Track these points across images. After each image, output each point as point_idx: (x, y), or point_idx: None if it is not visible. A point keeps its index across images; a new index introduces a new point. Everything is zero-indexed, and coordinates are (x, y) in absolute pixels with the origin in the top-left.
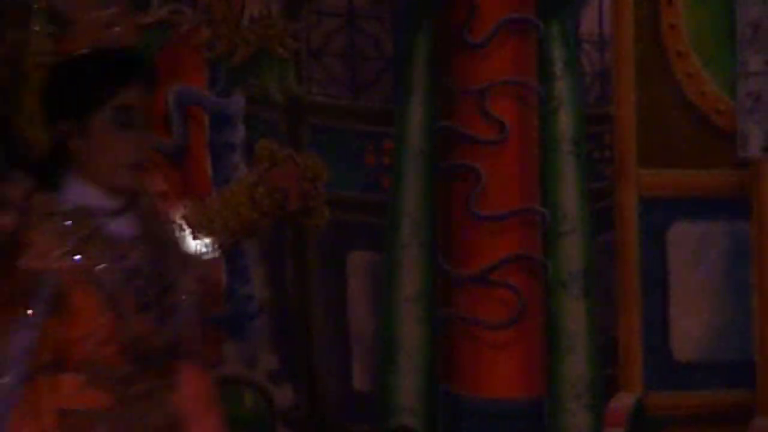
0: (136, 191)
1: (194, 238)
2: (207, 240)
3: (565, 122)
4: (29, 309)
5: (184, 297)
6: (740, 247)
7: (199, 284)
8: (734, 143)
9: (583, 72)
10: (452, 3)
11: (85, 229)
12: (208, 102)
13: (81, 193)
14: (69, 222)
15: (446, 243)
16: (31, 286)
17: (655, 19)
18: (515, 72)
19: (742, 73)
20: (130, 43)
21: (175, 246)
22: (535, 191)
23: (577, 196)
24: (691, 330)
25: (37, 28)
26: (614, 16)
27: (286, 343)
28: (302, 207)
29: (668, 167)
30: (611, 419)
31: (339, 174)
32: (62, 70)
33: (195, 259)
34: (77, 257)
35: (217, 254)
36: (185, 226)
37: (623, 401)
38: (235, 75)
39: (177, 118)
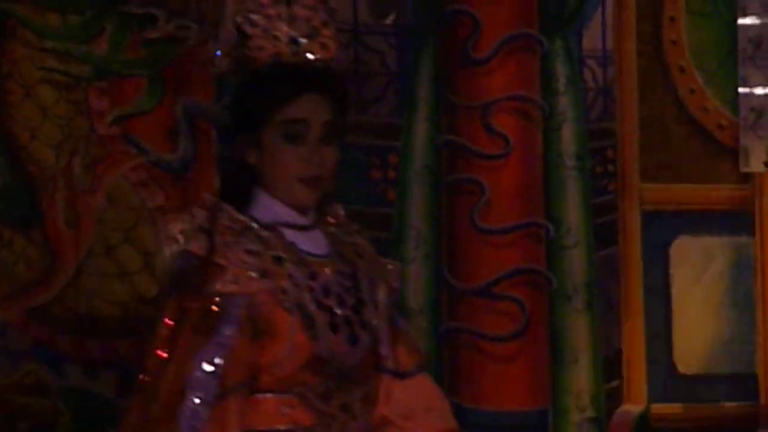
0: (320, 206)
1: None
2: None
3: (569, 137)
4: (220, 331)
5: (375, 311)
6: (743, 261)
7: (391, 295)
8: (736, 158)
9: (586, 87)
10: (456, 19)
11: (276, 249)
12: (215, 116)
13: (269, 210)
14: (259, 242)
15: (451, 256)
16: (223, 309)
17: (657, 35)
18: (519, 87)
19: (743, 88)
20: (311, 57)
21: (365, 260)
22: (539, 205)
23: (581, 210)
24: (694, 343)
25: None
26: (617, 32)
27: None
28: None
29: (671, 182)
30: (615, 431)
31: (345, 188)
32: (240, 84)
33: (386, 269)
34: (269, 278)
35: None
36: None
37: (627, 413)
38: None
39: (184, 132)
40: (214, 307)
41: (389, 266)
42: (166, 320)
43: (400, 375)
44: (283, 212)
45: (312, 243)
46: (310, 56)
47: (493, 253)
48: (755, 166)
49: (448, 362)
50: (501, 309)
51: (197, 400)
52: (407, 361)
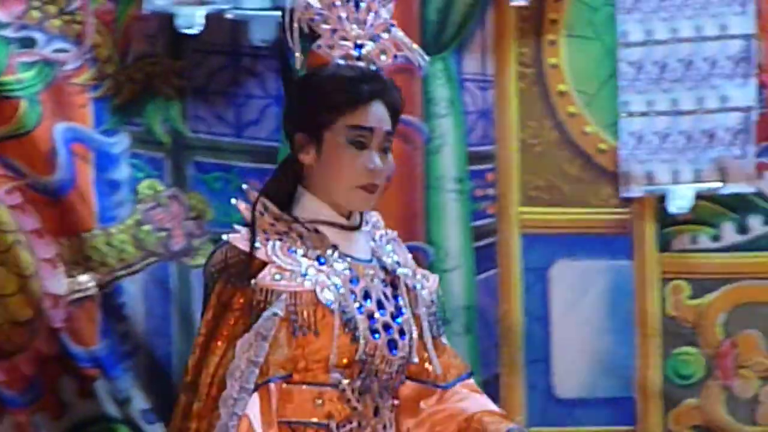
0: (365, 211)
1: (69, 275)
2: (84, 277)
3: (449, 160)
4: (262, 323)
5: (415, 321)
6: (621, 285)
7: (432, 302)
8: (616, 182)
9: (466, 111)
10: None
11: (319, 249)
12: (93, 140)
13: (311, 210)
14: (302, 241)
15: None
16: (266, 303)
17: (537, 59)
18: None
19: (623, 113)
20: (379, 64)
21: (405, 269)
22: (419, 228)
23: (461, 233)
24: (573, 367)
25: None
26: (497, 55)
27: (160, 383)
28: (187, 246)
29: (550, 206)
30: None
31: (223, 212)
32: (305, 83)
33: (425, 281)
34: (311, 277)
35: (94, 292)
36: (60, 263)
37: None
38: (120, 113)
39: (62, 155)
40: (258, 300)
41: (429, 279)
42: (207, 312)
43: (443, 386)
44: (327, 213)
45: (354, 246)
46: (375, 61)
47: None
48: (635, 191)
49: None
50: None
51: (238, 389)
52: (452, 372)
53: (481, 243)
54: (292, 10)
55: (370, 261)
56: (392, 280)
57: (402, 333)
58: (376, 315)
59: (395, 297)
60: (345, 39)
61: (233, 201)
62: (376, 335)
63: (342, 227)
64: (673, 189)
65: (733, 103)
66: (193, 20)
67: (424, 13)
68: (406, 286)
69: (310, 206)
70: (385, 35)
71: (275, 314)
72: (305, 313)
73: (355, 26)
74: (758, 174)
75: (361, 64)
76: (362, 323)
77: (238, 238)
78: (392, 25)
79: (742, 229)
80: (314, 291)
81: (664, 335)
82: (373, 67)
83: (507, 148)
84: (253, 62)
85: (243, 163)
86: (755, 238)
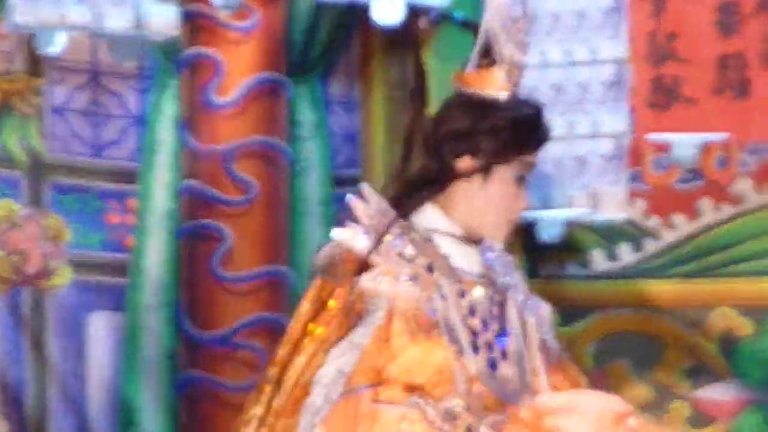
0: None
1: None
2: None
3: (314, 183)
4: (357, 331)
5: (524, 343)
6: None
7: (539, 330)
8: None
9: (332, 133)
10: (199, 62)
11: (430, 257)
12: None
13: (430, 220)
14: (415, 247)
15: (190, 304)
16: (364, 308)
17: (404, 82)
18: (263, 132)
19: None
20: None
21: (518, 292)
22: (283, 252)
23: None
24: None
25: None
26: (363, 78)
27: (18, 411)
28: (43, 268)
29: None
30: None
31: (81, 233)
32: (488, 112)
33: (537, 308)
34: (418, 284)
35: None
36: None
37: None
38: None
39: None
40: (358, 302)
41: (540, 304)
42: (304, 304)
43: None
44: (443, 224)
45: (465, 259)
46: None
47: (234, 301)
48: None
49: (186, 412)
50: (241, 358)
51: (322, 397)
52: None
53: None
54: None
55: (482, 277)
56: (502, 302)
57: (504, 355)
58: (479, 332)
59: (502, 318)
60: (505, 60)
61: (348, 198)
62: (477, 352)
63: (458, 238)
64: (542, 216)
65: (605, 129)
66: (53, 39)
67: (289, 35)
68: (518, 310)
69: (430, 216)
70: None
71: (372, 322)
72: (404, 320)
73: (514, 47)
74: (630, 201)
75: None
76: (466, 338)
77: (349, 235)
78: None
79: (612, 257)
80: (419, 299)
81: None
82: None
83: (372, 171)
84: (114, 82)
85: (102, 184)
86: (625, 266)
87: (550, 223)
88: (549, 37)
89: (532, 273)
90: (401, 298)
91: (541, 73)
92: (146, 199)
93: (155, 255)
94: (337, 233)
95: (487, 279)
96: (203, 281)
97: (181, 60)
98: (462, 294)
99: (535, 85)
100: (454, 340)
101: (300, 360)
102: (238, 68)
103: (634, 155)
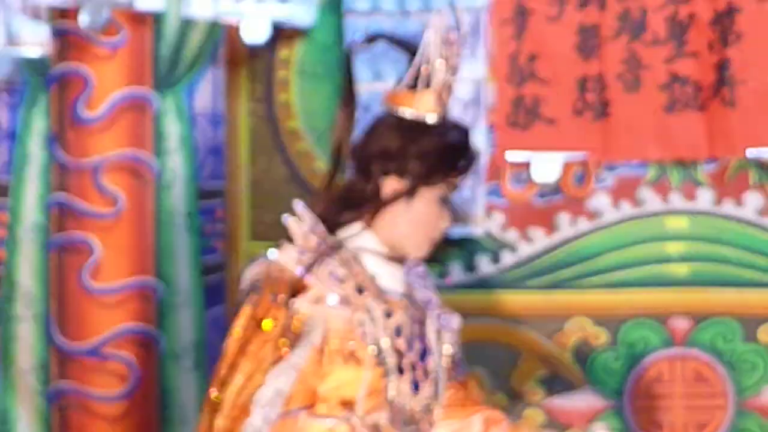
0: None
1: None
2: None
3: (179, 196)
4: (296, 351)
5: (439, 361)
6: None
7: (456, 348)
8: None
9: (197, 146)
10: (68, 78)
11: (359, 278)
12: None
13: (356, 239)
14: (344, 267)
15: (61, 316)
16: (299, 328)
17: (268, 96)
18: (130, 145)
19: None
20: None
21: (434, 310)
22: (150, 264)
23: (190, 269)
24: None
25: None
26: (228, 91)
27: None
28: None
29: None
30: None
31: None
32: (413, 135)
33: (450, 323)
34: (349, 306)
35: None
36: None
37: None
38: None
39: None
40: (294, 323)
41: (453, 321)
42: (239, 322)
43: None
44: (371, 243)
45: (391, 279)
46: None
47: (103, 312)
48: None
49: (57, 423)
50: (110, 369)
51: (261, 418)
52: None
53: (211, 279)
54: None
55: (405, 296)
56: (422, 320)
57: (426, 374)
58: (404, 352)
59: (423, 336)
60: (439, 80)
61: (284, 218)
62: (402, 373)
63: (386, 258)
64: None
65: None
66: None
67: (156, 48)
68: (435, 328)
69: (358, 236)
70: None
71: (310, 342)
72: (336, 342)
73: (447, 69)
74: (488, 215)
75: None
76: (392, 359)
77: (285, 255)
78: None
79: (470, 268)
80: (350, 321)
81: None
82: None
83: (237, 184)
84: None
85: None
86: (481, 278)
87: None
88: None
89: None
90: (334, 320)
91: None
92: (16, 213)
93: (26, 267)
94: (273, 253)
95: (409, 297)
96: (73, 293)
97: (51, 75)
98: (389, 315)
99: None
100: (381, 361)
101: (238, 380)
102: (106, 83)
103: (494, 171)
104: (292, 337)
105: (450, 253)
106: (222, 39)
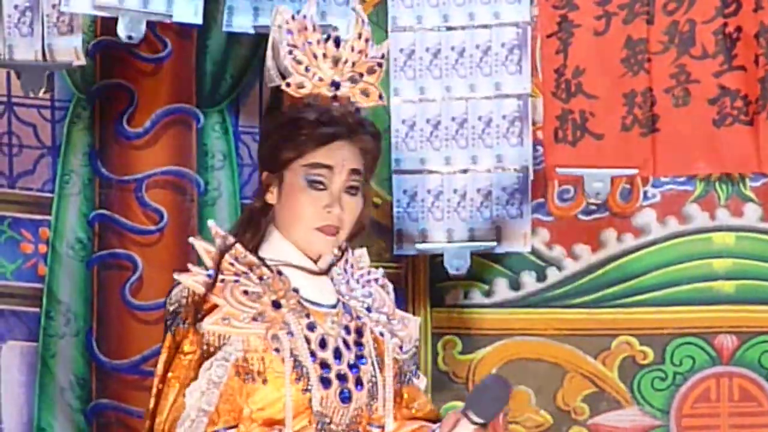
0: (339, 255)
1: None
2: None
3: (223, 213)
4: (213, 370)
5: (379, 369)
6: None
7: (401, 348)
8: (391, 237)
9: (241, 163)
10: (112, 93)
11: (277, 293)
12: None
13: (279, 251)
14: (261, 284)
15: (102, 333)
16: (215, 348)
17: None
18: (174, 162)
19: (396, 169)
20: (361, 105)
21: (378, 313)
22: None
23: None
24: None
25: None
26: None
27: None
28: None
29: None
30: None
31: None
32: (269, 121)
33: (406, 322)
34: (263, 322)
35: None
36: None
37: None
38: None
39: None
40: (208, 343)
41: (409, 323)
42: (162, 353)
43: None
44: (293, 255)
45: (318, 291)
46: (348, 102)
47: (144, 329)
48: (408, 249)
49: None
50: (151, 385)
51: None
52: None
53: None
54: (272, 44)
55: (334, 306)
56: (358, 327)
57: (359, 383)
58: (331, 364)
59: (358, 345)
60: (321, 79)
61: (210, 223)
62: (328, 385)
63: (307, 271)
64: (448, 248)
65: (508, 163)
66: None
67: (200, 65)
68: (376, 333)
69: (278, 246)
70: (370, 76)
71: (226, 360)
72: (254, 359)
73: (330, 65)
74: (533, 232)
75: (336, 104)
76: (314, 372)
77: (191, 278)
78: (380, 65)
79: (515, 286)
80: (264, 337)
81: (435, 390)
82: (352, 108)
83: None
84: (28, 112)
85: (16, 214)
86: (527, 295)
87: (456, 254)
88: (453, 72)
89: (437, 302)
90: (250, 339)
91: (445, 107)
92: (59, 229)
93: (67, 284)
94: (179, 276)
95: (343, 306)
96: (114, 309)
97: (94, 91)
98: (312, 328)
99: (438, 118)
100: (301, 376)
101: (164, 405)
102: (149, 99)
103: (539, 187)
104: (208, 358)
105: (495, 271)
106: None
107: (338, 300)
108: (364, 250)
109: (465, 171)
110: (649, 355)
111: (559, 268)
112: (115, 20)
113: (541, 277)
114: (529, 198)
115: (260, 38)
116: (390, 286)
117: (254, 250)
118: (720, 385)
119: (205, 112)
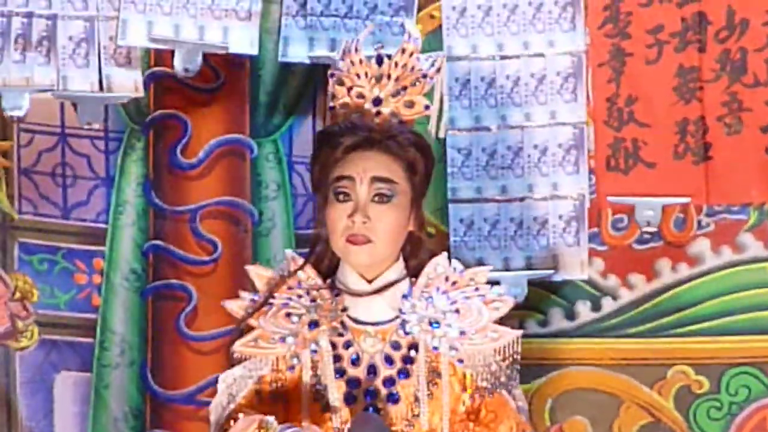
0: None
1: None
2: None
3: (278, 243)
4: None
5: (417, 385)
6: None
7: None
8: None
9: (295, 193)
10: (165, 123)
11: (321, 313)
12: None
13: (341, 272)
14: (310, 305)
15: (156, 363)
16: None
17: None
18: (228, 192)
19: (453, 200)
20: (405, 118)
21: (451, 322)
22: None
23: None
24: None
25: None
26: None
27: None
28: (11, 328)
29: None
30: None
31: (49, 293)
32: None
33: (487, 335)
34: (290, 343)
35: None
36: None
37: None
38: None
39: None
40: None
41: (499, 332)
42: None
43: None
44: (348, 277)
45: (367, 309)
46: (391, 116)
47: (199, 360)
48: None
49: None
50: (205, 416)
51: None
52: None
53: None
54: (328, 73)
55: (384, 323)
56: (411, 343)
57: (392, 398)
58: (362, 380)
59: (407, 360)
60: (361, 96)
61: (286, 251)
62: (353, 402)
63: (352, 291)
64: (505, 276)
65: (564, 191)
66: (19, 102)
67: (254, 95)
68: (427, 348)
69: (342, 266)
70: (414, 88)
71: (250, 380)
72: (280, 379)
73: (373, 82)
74: (588, 261)
75: (377, 120)
76: (336, 390)
77: (235, 303)
78: (425, 76)
79: (570, 315)
80: (285, 357)
81: None
82: (394, 120)
83: None
84: (81, 143)
85: (70, 245)
86: (582, 324)
87: (512, 282)
88: (509, 100)
89: None
90: (275, 360)
91: (500, 136)
92: (113, 259)
93: (121, 314)
94: (226, 303)
95: (401, 322)
96: (168, 340)
97: (148, 121)
98: (348, 345)
99: (494, 147)
100: (321, 395)
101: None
102: (203, 129)
103: (593, 216)
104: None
105: (551, 301)
106: (320, 84)
107: (396, 316)
108: (484, 268)
109: (522, 199)
110: (704, 385)
111: (614, 298)
112: (169, 51)
113: (596, 306)
114: (586, 226)
115: (313, 68)
116: (502, 305)
117: (332, 272)
118: None
119: (259, 142)
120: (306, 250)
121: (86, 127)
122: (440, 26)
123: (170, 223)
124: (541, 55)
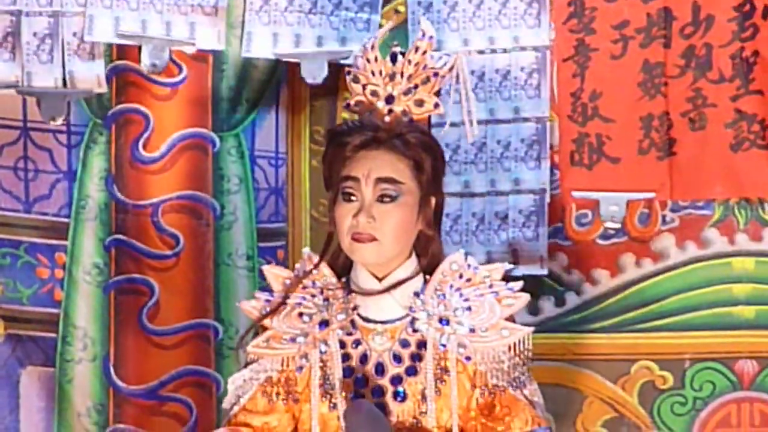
0: (434, 264)
1: None
2: None
3: (239, 237)
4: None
5: (425, 382)
6: None
7: (482, 363)
8: None
9: (257, 187)
10: (127, 117)
11: (332, 312)
12: None
13: (353, 270)
14: (322, 304)
15: (119, 358)
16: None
17: None
18: (190, 186)
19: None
20: (417, 116)
21: (461, 320)
22: (209, 306)
23: None
24: None
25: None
26: (290, 132)
27: None
28: None
29: None
30: None
31: (12, 288)
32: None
33: (499, 333)
34: (300, 342)
35: None
36: None
37: None
38: None
39: None
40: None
41: (509, 330)
42: None
43: None
44: (359, 275)
45: (377, 308)
46: (402, 114)
47: (162, 354)
48: None
49: None
50: (168, 411)
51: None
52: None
53: None
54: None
55: (393, 322)
56: (419, 340)
57: (398, 395)
58: (370, 378)
59: (416, 357)
60: (375, 93)
61: (304, 250)
62: (358, 399)
63: (365, 290)
64: None
65: (525, 186)
66: None
67: (216, 90)
68: (435, 345)
69: (354, 268)
70: (425, 86)
71: (257, 379)
72: (291, 379)
73: (387, 80)
74: (551, 256)
75: (387, 119)
76: (345, 389)
77: (249, 304)
78: (436, 74)
79: (534, 311)
80: (294, 357)
81: None
82: (405, 119)
83: (297, 225)
84: (43, 136)
85: (32, 239)
86: (546, 320)
87: None
88: (473, 95)
89: None
90: (284, 359)
91: (463, 132)
92: (75, 254)
93: (84, 309)
94: (241, 304)
95: (410, 320)
96: (131, 335)
97: (110, 115)
98: (357, 344)
99: (458, 142)
100: (329, 393)
101: None
102: (165, 124)
103: (557, 211)
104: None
105: None
106: (283, 79)
107: (406, 314)
108: (500, 265)
109: (483, 195)
110: (668, 380)
111: (578, 293)
112: (132, 46)
113: (560, 302)
114: (546, 221)
115: (276, 63)
116: (516, 302)
117: (348, 271)
118: (740, 411)
119: (221, 137)
120: (269, 244)
121: (51, 122)
122: (406, 20)
123: (132, 217)
124: (506, 50)
